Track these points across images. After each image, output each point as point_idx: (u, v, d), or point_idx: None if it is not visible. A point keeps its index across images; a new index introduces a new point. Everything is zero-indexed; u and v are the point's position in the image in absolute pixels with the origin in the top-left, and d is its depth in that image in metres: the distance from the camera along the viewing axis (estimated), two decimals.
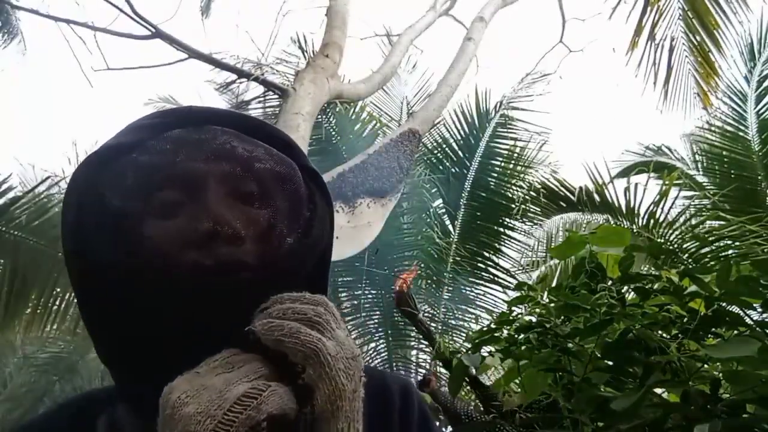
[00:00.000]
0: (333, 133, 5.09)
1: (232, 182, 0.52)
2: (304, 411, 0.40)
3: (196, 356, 0.42)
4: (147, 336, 0.48)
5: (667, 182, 3.52)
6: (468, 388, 3.04)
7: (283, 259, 0.51)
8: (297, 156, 0.59)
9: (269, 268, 0.50)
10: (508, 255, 4.82)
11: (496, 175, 4.99)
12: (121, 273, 0.47)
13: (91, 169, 0.52)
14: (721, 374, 1.23)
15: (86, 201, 0.51)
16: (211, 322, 0.46)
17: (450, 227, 4.89)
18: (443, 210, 4.98)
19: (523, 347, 1.53)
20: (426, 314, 4.66)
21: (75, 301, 4.09)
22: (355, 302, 4.75)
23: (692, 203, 4.04)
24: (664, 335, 1.28)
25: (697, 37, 4.41)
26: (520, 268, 4.81)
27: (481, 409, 2.06)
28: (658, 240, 3.31)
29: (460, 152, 5.08)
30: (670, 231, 3.36)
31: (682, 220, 3.45)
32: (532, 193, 4.43)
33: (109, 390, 0.57)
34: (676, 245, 3.28)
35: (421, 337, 4.57)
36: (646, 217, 3.49)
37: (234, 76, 4.34)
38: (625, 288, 1.43)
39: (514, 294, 1.82)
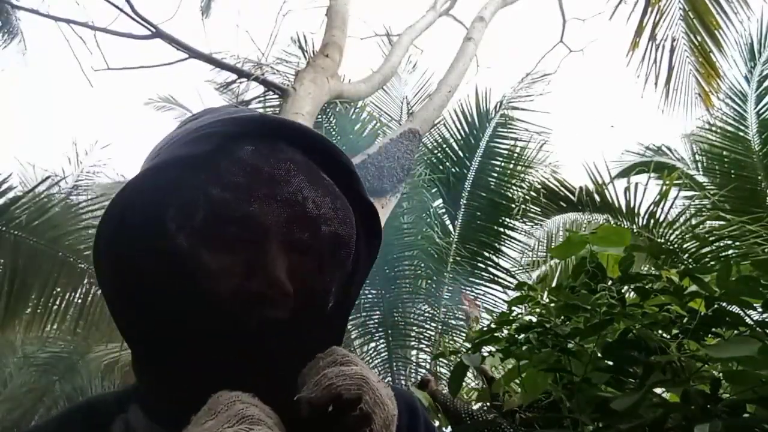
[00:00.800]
0: (333, 133, 5.08)
1: (295, 242, 0.52)
2: None
3: (221, 380, 0.44)
4: (180, 347, 0.49)
5: (667, 182, 3.52)
6: (469, 386, 3.04)
7: (323, 323, 0.55)
8: (356, 184, 0.59)
9: (310, 329, 0.52)
10: (508, 255, 4.82)
11: (496, 175, 4.98)
12: (162, 287, 0.49)
13: (151, 176, 0.50)
14: (721, 374, 1.23)
15: (139, 206, 0.49)
16: (241, 361, 0.48)
17: (450, 227, 4.89)
18: (443, 210, 4.97)
19: (523, 347, 1.53)
20: (426, 314, 4.66)
21: (75, 300, 4.09)
22: (356, 302, 4.73)
23: (692, 203, 4.04)
24: (664, 335, 1.28)
25: (698, 38, 4.40)
26: (520, 268, 4.81)
27: (486, 408, 2.06)
28: (658, 240, 3.31)
29: (460, 152, 5.07)
30: (670, 231, 3.36)
31: (682, 220, 3.45)
32: (532, 193, 4.43)
33: (119, 394, 0.57)
34: (676, 245, 3.28)
35: (421, 337, 4.58)
36: (646, 217, 3.50)
37: (234, 76, 4.34)
38: (625, 288, 1.43)
39: (514, 294, 1.82)
